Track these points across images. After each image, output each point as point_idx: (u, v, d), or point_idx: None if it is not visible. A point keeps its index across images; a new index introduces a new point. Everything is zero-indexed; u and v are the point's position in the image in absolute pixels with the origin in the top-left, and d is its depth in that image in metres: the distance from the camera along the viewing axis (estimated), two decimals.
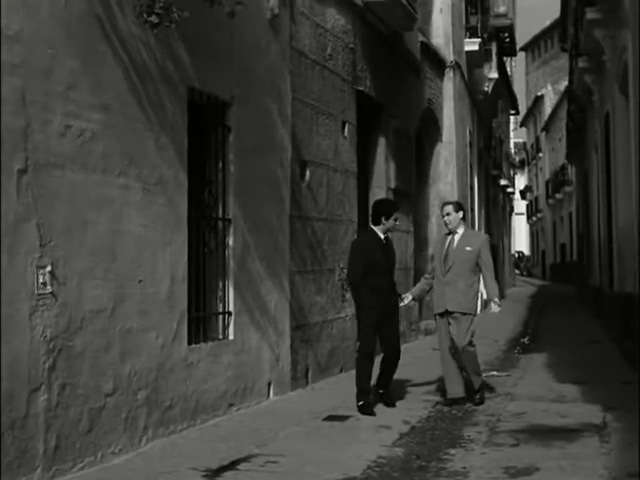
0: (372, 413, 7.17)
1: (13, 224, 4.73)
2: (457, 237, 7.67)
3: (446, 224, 7.78)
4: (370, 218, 7.80)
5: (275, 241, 8.05)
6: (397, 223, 7.73)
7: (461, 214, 7.71)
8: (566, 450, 5.83)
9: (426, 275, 8.04)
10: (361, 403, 7.25)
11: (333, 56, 9.76)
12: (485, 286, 7.80)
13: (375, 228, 7.59)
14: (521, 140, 60.12)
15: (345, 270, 9.75)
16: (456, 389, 7.64)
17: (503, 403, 7.80)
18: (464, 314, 7.52)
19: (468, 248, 7.57)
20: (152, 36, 5.84)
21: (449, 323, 7.58)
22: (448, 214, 7.70)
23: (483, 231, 23.02)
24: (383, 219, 7.54)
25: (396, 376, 7.80)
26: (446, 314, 7.58)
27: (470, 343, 7.54)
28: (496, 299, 7.76)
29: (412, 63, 13.67)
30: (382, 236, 7.55)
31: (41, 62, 4.96)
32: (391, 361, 7.56)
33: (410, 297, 7.89)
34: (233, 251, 7.28)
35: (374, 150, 12.08)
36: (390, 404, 7.53)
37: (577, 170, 28.84)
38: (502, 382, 9.14)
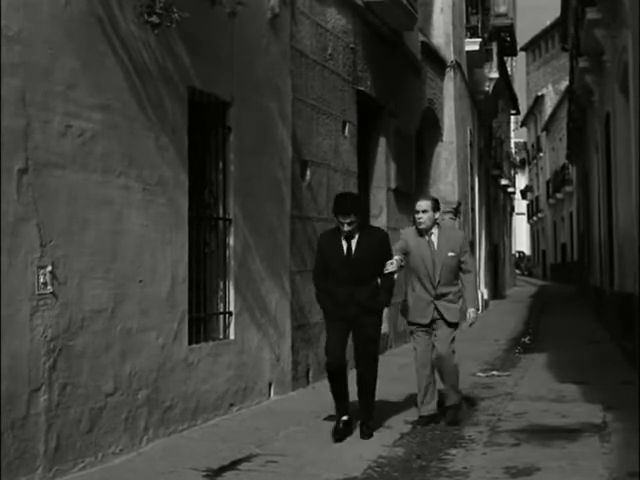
0: (341, 439, 6.22)
1: (13, 224, 4.73)
2: (434, 238, 6.74)
3: (419, 222, 6.72)
4: None
5: (275, 241, 8.05)
6: (345, 229, 6.23)
7: (437, 214, 6.76)
8: (566, 450, 5.83)
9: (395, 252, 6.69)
10: (333, 427, 6.39)
11: (333, 56, 9.76)
12: (465, 293, 6.88)
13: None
14: (522, 140, 60.12)
15: None
16: (430, 406, 6.85)
17: (504, 403, 7.79)
18: (455, 324, 6.81)
19: (451, 254, 6.70)
20: (152, 36, 5.84)
21: (430, 334, 6.78)
22: (425, 211, 6.69)
23: (484, 231, 23.03)
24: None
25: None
26: (430, 324, 6.76)
27: (452, 352, 6.81)
28: (474, 310, 6.88)
29: (413, 63, 13.66)
30: (343, 237, 6.32)
31: (41, 62, 4.96)
32: (360, 380, 6.40)
33: (398, 260, 6.49)
34: (234, 251, 7.28)
35: (374, 150, 12.08)
36: (365, 433, 6.33)
37: (577, 170, 28.84)
38: (503, 382, 9.14)
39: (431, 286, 6.71)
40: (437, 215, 6.74)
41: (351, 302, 6.25)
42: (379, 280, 6.43)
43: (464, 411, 7.12)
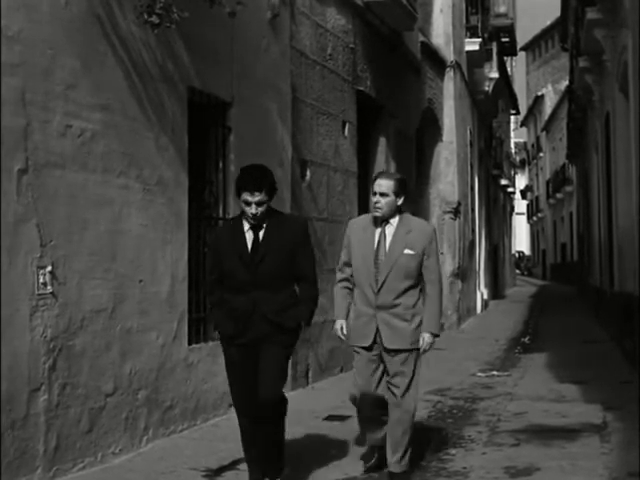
0: None
1: (13, 224, 4.73)
2: (390, 231, 5.06)
3: (374, 208, 5.09)
4: None
5: None
6: (254, 211, 4.61)
7: (401, 200, 5.08)
8: (566, 450, 5.83)
9: (341, 280, 5.29)
10: None
11: (333, 56, 9.76)
12: (425, 309, 5.05)
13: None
14: (522, 140, 60.11)
15: None
16: (377, 435, 5.27)
17: (503, 403, 7.80)
18: (408, 350, 5.02)
19: (408, 251, 4.98)
20: (152, 36, 5.84)
21: (378, 360, 5.09)
22: (384, 194, 5.01)
23: (483, 231, 23.01)
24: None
25: None
26: (374, 346, 5.06)
27: (413, 395, 5.07)
28: (430, 334, 5.01)
29: (412, 63, 13.67)
30: (247, 226, 4.72)
31: (41, 62, 4.96)
32: (261, 424, 4.73)
33: (344, 324, 5.16)
34: None
35: (374, 150, 12.08)
36: None
37: (577, 170, 28.84)
38: (502, 382, 9.14)
39: (371, 292, 5.02)
40: (400, 201, 5.08)
41: (255, 316, 4.64)
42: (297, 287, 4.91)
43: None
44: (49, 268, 4.96)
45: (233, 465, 5.44)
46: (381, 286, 4.98)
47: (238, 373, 4.75)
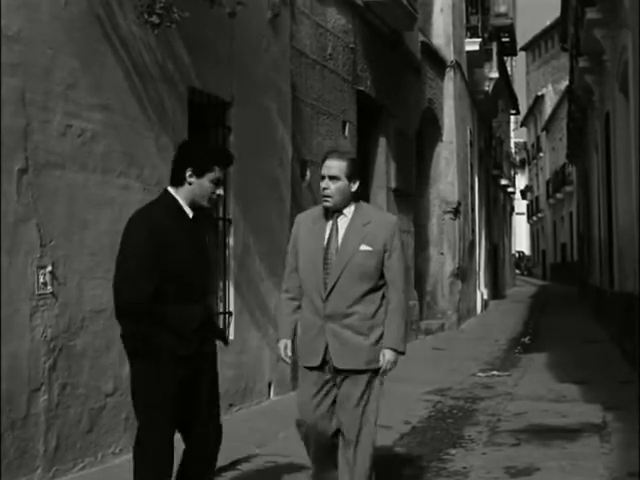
0: None
1: (13, 224, 4.73)
2: (343, 223, 4.23)
3: (324, 196, 4.32)
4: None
5: (275, 241, 8.05)
6: (219, 192, 3.79)
7: (355, 186, 4.23)
8: (566, 450, 5.84)
9: (286, 291, 4.43)
10: None
11: (333, 56, 9.77)
12: (386, 319, 4.09)
13: (174, 192, 3.83)
14: (522, 140, 60.16)
15: None
16: (331, 475, 4.20)
17: (503, 403, 7.80)
18: (363, 372, 4.05)
19: (365, 247, 4.09)
20: (152, 36, 5.83)
21: (329, 385, 4.11)
22: (334, 178, 4.25)
23: (483, 232, 22.99)
24: (189, 174, 3.80)
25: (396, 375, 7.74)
26: (325, 367, 4.10)
27: (371, 432, 4.05)
28: (392, 351, 4.05)
29: (412, 63, 13.67)
30: (189, 212, 3.76)
31: (41, 62, 4.96)
32: (196, 462, 3.88)
33: (289, 345, 4.22)
34: (233, 251, 7.27)
35: (374, 150, 12.08)
36: None
37: (577, 170, 28.85)
38: (502, 382, 9.14)
39: (319, 299, 4.11)
40: (355, 187, 4.23)
41: (205, 328, 3.70)
42: None
43: None
44: (49, 268, 4.96)
45: (233, 465, 5.43)
46: (330, 291, 4.05)
47: (173, 398, 3.65)
